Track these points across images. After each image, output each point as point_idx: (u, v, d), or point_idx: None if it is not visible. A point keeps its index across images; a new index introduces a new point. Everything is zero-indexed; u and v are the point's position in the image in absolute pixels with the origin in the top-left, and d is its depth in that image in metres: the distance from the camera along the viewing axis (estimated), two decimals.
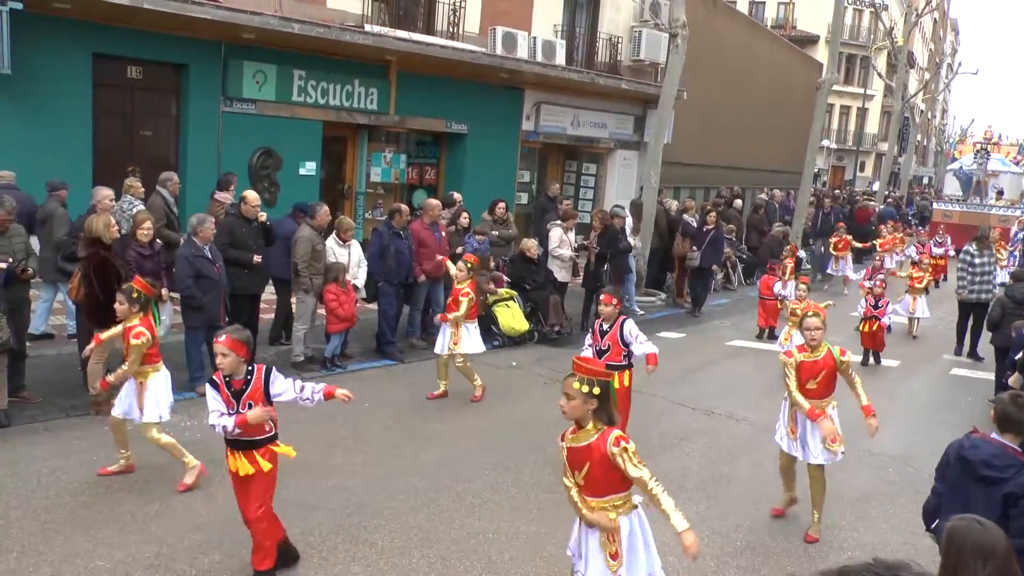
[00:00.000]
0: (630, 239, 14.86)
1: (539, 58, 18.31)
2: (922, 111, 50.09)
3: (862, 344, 12.86)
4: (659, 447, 8.62)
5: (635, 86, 20.85)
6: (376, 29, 15.53)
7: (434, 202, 12.19)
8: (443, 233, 11.90)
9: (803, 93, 30.90)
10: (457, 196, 14.07)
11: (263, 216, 10.20)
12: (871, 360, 12.93)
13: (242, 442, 5.40)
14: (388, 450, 8.00)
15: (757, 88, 29.53)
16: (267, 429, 5.44)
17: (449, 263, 10.60)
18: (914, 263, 17.05)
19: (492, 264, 12.68)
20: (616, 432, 4.39)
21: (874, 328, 12.92)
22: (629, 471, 4.35)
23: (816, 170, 30.80)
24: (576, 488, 4.55)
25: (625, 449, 4.33)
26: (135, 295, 6.87)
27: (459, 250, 12.18)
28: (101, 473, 6.98)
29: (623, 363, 7.58)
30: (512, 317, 12.44)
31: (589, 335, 7.95)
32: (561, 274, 13.58)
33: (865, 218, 25.75)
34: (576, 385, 4.41)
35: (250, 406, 5.32)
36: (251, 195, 10.23)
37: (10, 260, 8.03)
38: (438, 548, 6.17)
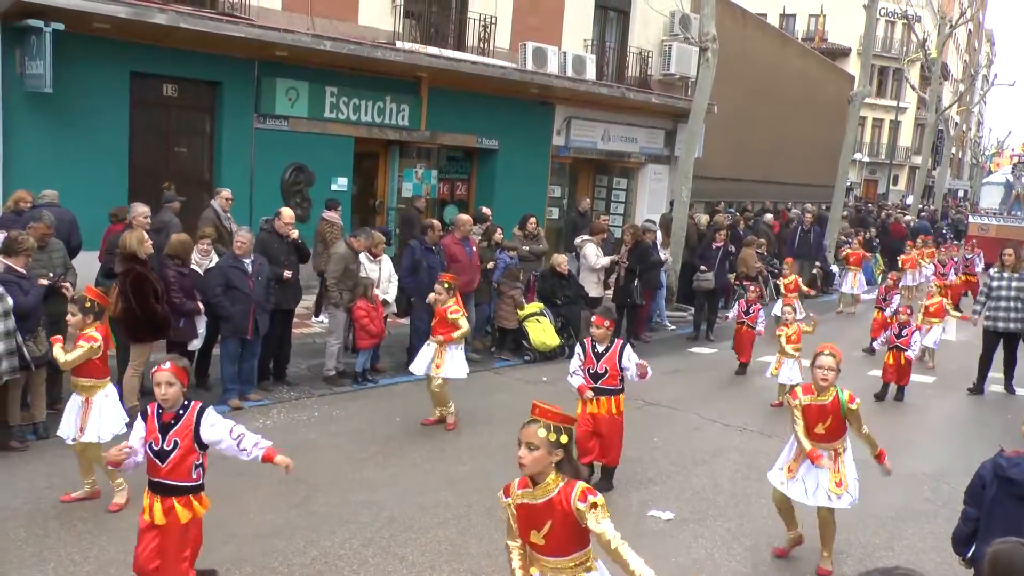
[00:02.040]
0: (661, 253, 14.83)
1: (569, 73, 18.36)
2: (957, 123, 49.63)
3: (883, 377, 11.61)
4: (691, 462, 8.57)
5: (665, 100, 20.83)
6: (407, 46, 15.66)
7: (465, 217, 12.25)
8: (474, 248, 11.94)
9: (835, 106, 30.75)
10: (486, 211, 14.12)
11: (295, 233, 10.30)
12: (893, 395, 11.55)
13: (160, 485, 4.86)
14: (419, 464, 8.01)
15: (788, 101, 29.41)
16: (194, 477, 4.87)
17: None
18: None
19: (521, 278, 12.69)
20: (582, 485, 3.85)
21: (901, 361, 11.44)
22: (590, 525, 3.80)
23: (848, 184, 30.62)
24: (522, 551, 4.08)
25: (594, 505, 3.78)
26: (88, 304, 6.62)
27: (490, 265, 12.24)
28: (64, 500, 6.70)
29: (619, 387, 7.44)
30: (543, 332, 12.44)
31: (577, 358, 7.52)
32: (593, 289, 13.56)
33: (899, 233, 25.34)
34: (542, 433, 3.85)
35: (176, 444, 4.79)
36: (286, 212, 10.34)
37: (51, 275, 8.17)
38: (468, 563, 6.16)
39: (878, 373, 11.93)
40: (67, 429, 6.56)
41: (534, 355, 12.35)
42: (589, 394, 7.33)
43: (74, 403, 6.60)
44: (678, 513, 7.25)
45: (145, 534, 4.89)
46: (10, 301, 7.05)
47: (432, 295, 9.26)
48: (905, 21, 40.40)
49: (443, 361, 8.90)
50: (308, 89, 14.87)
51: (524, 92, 18.02)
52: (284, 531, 6.38)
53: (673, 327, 15.51)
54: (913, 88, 43.83)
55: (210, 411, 4.93)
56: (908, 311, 12.12)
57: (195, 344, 9.13)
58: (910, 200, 41.94)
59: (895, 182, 55.19)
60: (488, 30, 17.41)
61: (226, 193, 11.94)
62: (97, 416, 6.52)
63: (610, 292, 14.25)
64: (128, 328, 8.41)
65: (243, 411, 9.11)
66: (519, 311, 12.43)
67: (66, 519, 6.43)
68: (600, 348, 7.39)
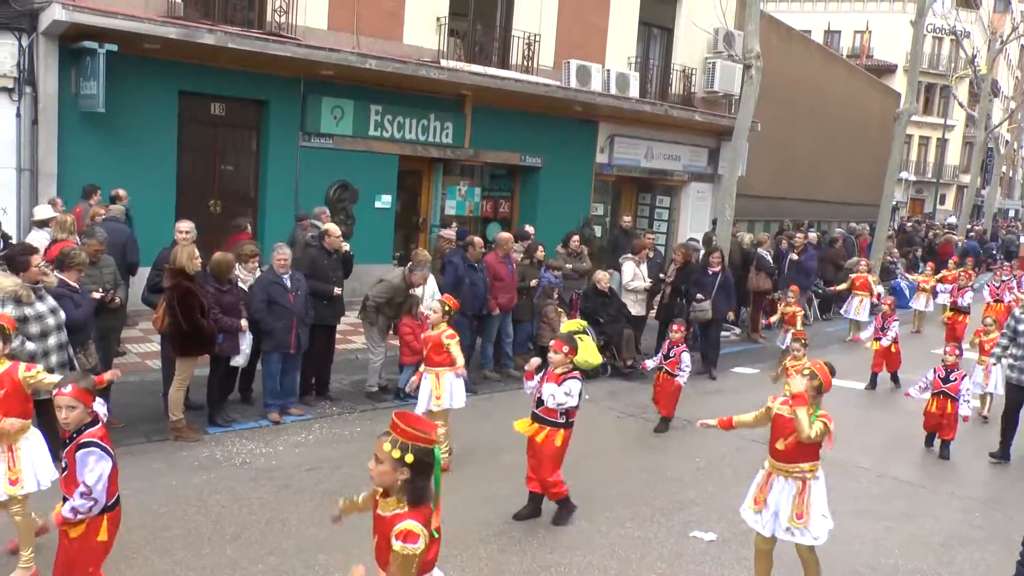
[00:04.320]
0: None
1: (613, 90, 18.38)
2: (1007, 141, 48.66)
3: (924, 426, 10.06)
4: (734, 483, 8.46)
5: (709, 118, 20.76)
6: (452, 64, 15.79)
7: (506, 235, 12.31)
8: (514, 266, 11.98)
9: (880, 124, 30.45)
10: (530, 229, 14.15)
11: (346, 246, 10.45)
12: (934, 447, 9.98)
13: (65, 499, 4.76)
14: (459, 481, 8.00)
15: (833, 119, 29.15)
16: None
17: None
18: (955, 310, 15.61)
19: (556, 296, 12.64)
20: (408, 524, 3.59)
21: (947, 410, 9.73)
22: (391, 568, 3.65)
23: (894, 203, 30.21)
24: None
25: (402, 554, 3.56)
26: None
27: (533, 283, 12.25)
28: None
29: (558, 420, 6.90)
30: (585, 350, 12.32)
31: (533, 382, 7.00)
32: (635, 308, 13.50)
33: (947, 253, 24.77)
34: (386, 448, 3.63)
35: (66, 465, 4.68)
36: (333, 228, 10.47)
37: (101, 291, 8.32)
38: None
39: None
40: None
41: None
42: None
43: None
44: (720, 534, 7.17)
45: (62, 547, 4.84)
46: (63, 315, 7.18)
47: (430, 313, 8.61)
48: (953, 37, 39.87)
49: (442, 392, 8.18)
50: (353, 107, 15.04)
51: (568, 110, 18.06)
52: (326, 545, 6.41)
53: None
54: (961, 105, 43.17)
55: (86, 453, 4.60)
56: (956, 351, 10.03)
57: (238, 360, 9.22)
58: (952, 220, 41.22)
59: (942, 201, 54.34)
60: (532, 48, 17.49)
61: (327, 212, 12.91)
62: (29, 463, 5.66)
63: (653, 311, 14.19)
64: (175, 342, 8.54)
65: (284, 425, 9.20)
66: (561, 324, 12.37)
67: None
68: (559, 372, 6.85)
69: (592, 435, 9.76)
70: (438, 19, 16.05)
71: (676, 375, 9.99)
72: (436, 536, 3.81)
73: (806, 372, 5.81)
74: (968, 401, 9.63)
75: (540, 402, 6.90)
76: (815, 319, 19.14)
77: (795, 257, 16.87)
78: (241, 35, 12.74)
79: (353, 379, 11.10)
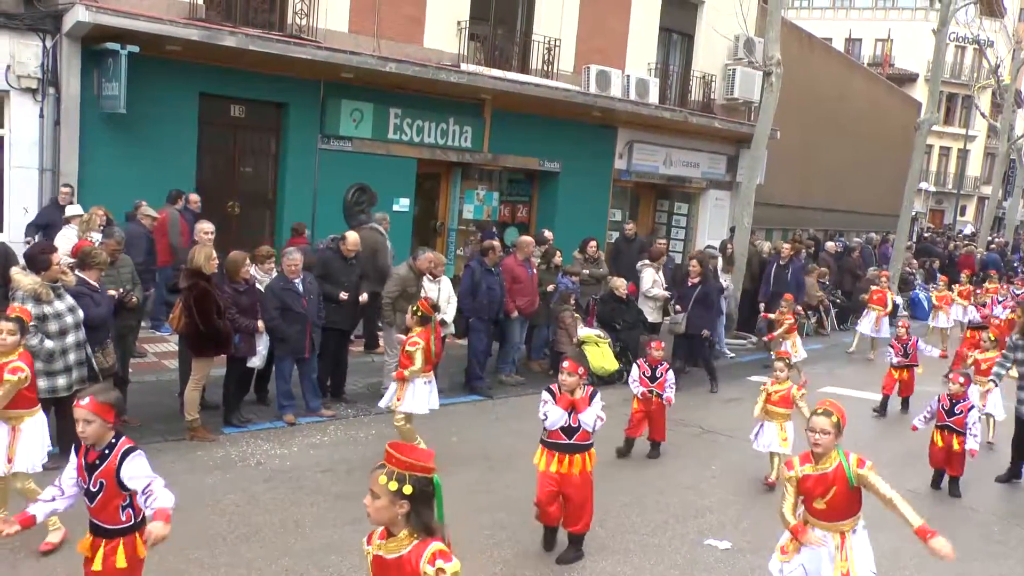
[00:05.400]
0: (722, 279, 14.68)
1: (632, 96, 18.35)
2: None
3: (930, 463, 9.03)
4: (749, 492, 8.43)
5: (728, 125, 20.69)
6: (472, 68, 15.81)
7: (527, 239, 12.33)
8: (535, 271, 11.98)
9: (901, 133, 30.27)
10: (548, 234, 14.13)
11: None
12: (944, 485, 8.95)
13: (94, 525, 4.48)
14: (475, 484, 8.00)
15: (853, 128, 29.00)
16: (123, 519, 4.45)
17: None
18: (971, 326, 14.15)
19: (573, 301, 12.63)
20: (436, 546, 3.37)
21: (953, 446, 8.74)
22: None
23: (914, 213, 30.02)
24: None
25: (442, 571, 3.31)
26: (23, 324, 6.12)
27: (550, 288, 12.24)
28: None
29: (590, 442, 6.45)
30: (602, 356, 12.36)
31: (543, 404, 6.44)
32: (652, 314, 13.46)
33: (968, 265, 24.48)
34: (382, 480, 3.36)
35: (102, 486, 4.36)
36: (351, 237, 10.48)
37: (120, 290, 8.37)
38: None
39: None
40: None
41: (592, 379, 12.25)
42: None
43: (1, 432, 5.95)
44: (735, 543, 7.13)
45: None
46: (81, 313, 7.23)
47: (408, 317, 8.45)
48: (976, 46, 39.60)
49: (403, 395, 8.19)
50: (372, 110, 15.07)
51: (587, 115, 18.04)
52: (339, 547, 6.41)
53: (732, 355, 15.30)
54: (983, 116, 42.82)
55: (132, 460, 4.37)
56: (963, 380, 9.02)
57: (254, 362, 9.26)
58: (968, 230, 40.88)
59: (963, 212, 53.90)
60: (552, 53, 17.49)
61: (388, 218, 13.05)
62: (27, 444, 5.99)
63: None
64: (191, 343, 8.59)
65: (299, 427, 9.22)
66: (578, 329, 12.36)
67: None
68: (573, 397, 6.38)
69: (607, 442, 9.72)
70: (458, 23, 16.07)
71: (663, 395, 9.18)
72: None
73: (820, 411, 5.21)
74: (976, 435, 8.62)
75: (571, 432, 6.35)
76: (832, 329, 19.06)
77: (782, 262, 15.47)
78: (262, 37, 12.79)
79: (368, 382, 11.11)
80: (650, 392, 9.15)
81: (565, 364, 6.47)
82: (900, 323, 12.13)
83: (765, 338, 13.89)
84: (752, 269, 16.82)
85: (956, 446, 8.68)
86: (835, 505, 5.11)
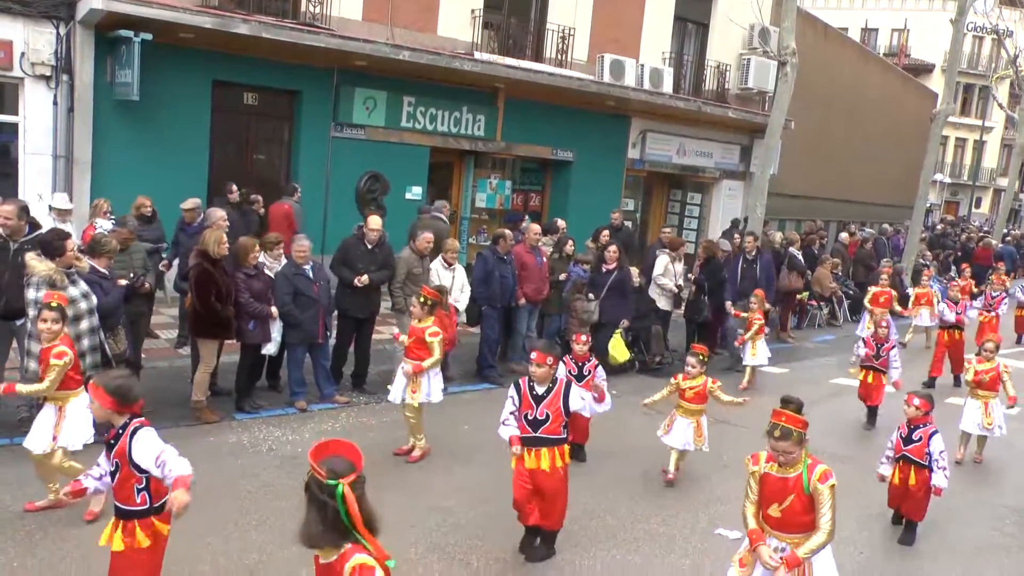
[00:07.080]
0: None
1: (646, 86, 18.28)
2: None
3: (888, 502, 7.52)
4: None
5: (742, 115, 20.59)
6: (485, 56, 15.78)
7: (534, 226, 12.31)
8: (544, 259, 11.95)
9: (916, 124, 30.04)
10: (561, 223, 14.10)
11: None
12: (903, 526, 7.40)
13: (116, 507, 4.54)
14: (486, 473, 8.00)
15: (868, 118, 28.83)
16: (138, 501, 4.47)
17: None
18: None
19: (585, 290, 12.58)
20: (360, 558, 3.35)
21: (908, 480, 7.16)
22: None
23: (928, 205, 29.83)
24: None
25: None
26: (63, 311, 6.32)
27: (562, 277, 12.21)
28: (28, 508, 6.36)
29: (562, 436, 6.19)
30: (613, 346, 12.31)
31: (511, 402, 6.25)
32: (663, 303, 13.41)
33: (985, 257, 24.07)
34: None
35: (117, 465, 4.45)
36: (373, 220, 10.35)
37: (131, 276, 8.40)
38: (535, 572, 6.13)
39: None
40: (38, 441, 6.19)
41: (604, 369, 12.22)
42: (517, 449, 6.10)
43: (47, 413, 6.23)
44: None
45: (112, 565, 4.56)
46: (94, 299, 7.26)
47: (412, 307, 8.36)
48: (995, 36, 39.24)
49: (418, 386, 8.08)
50: (386, 98, 15.07)
51: (600, 104, 17.99)
52: None
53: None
54: (1001, 107, 42.50)
55: (142, 435, 4.42)
56: (919, 403, 7.19)
57: (269, 348, 9.29)
58: (977, 222, 40.54)
59: (978, 204, 53.55)
60: (566, 41, 17.43)
61: (448, 206, 13.42)
62: (71, 423, 6.21)
63: (681, 309, 14.09)
64: (191, 324, 8.74)
65: (311, 413, 9.25)
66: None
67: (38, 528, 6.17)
68: (540, 390, 6.15)
69: (618, 431, 9.72)
70: (472, 11, 16.04)
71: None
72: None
73: (778, 435, 4.92)
74: (944, 468, 6.98)
75: (536, 424, 6.14)
76: (844, 320, 18.97)
77: (749, 257, 14.08)
78: (275, 25, 12.79)
79: (381, 369, 11.11)
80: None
81: (533, 355, 6.19)
82: (882, 322, 10.94)
83: (736, 343, 12.86)
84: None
85: (913, 480, 7.08)
86: (789, 515, 4.84)
